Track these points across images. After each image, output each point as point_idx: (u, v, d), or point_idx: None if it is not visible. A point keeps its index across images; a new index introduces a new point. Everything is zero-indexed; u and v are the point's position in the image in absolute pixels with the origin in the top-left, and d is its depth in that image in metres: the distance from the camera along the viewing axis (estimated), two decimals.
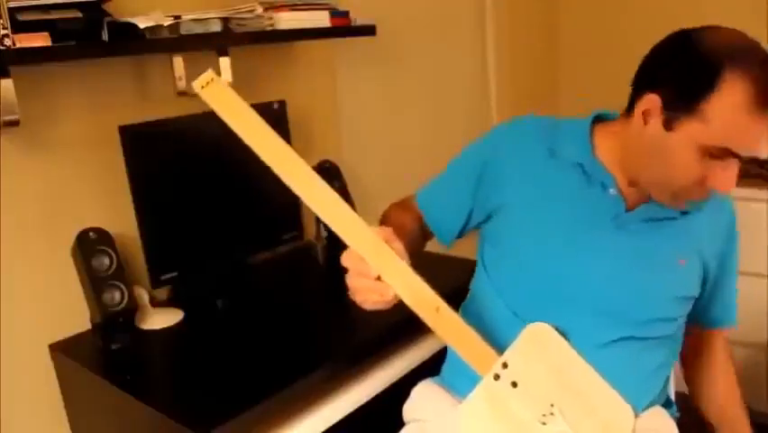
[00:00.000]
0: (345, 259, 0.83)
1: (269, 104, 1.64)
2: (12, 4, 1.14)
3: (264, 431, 1.17)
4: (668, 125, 0.91)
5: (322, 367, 1.23)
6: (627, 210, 1.02)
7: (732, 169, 0.90)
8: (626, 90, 1.00)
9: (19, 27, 1.14)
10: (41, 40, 1.16)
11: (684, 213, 1.03)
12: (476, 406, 0.89)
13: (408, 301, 0.83)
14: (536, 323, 0.93)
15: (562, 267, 1.01)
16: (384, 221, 1.16)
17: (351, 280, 0.83)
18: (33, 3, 1.17)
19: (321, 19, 1.62)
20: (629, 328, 1.00)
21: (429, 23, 2.24)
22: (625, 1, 2.60)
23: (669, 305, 1.04)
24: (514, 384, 0.89)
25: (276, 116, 1.64)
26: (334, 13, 1.65)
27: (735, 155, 0.88)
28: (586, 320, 0.98)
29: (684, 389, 1.24)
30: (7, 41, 1.12)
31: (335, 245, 0.87)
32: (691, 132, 0.89)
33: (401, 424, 1.18)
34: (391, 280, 0.82)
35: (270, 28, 1.53)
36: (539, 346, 0.92)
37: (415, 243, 1.13)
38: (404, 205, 1.21)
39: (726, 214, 1.09)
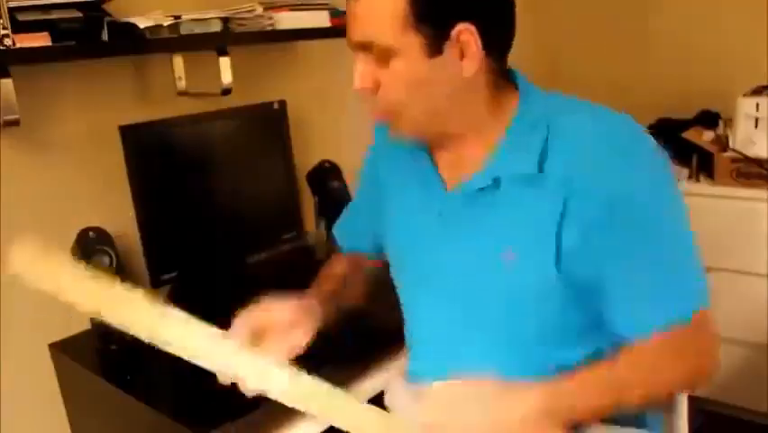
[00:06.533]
0: None
1: (269, 104, 1.64)
2: (12, 4, 1.14)
3: (264, 432, 1.17)
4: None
5: (322, 368, 1.22)
6: (447, 191, 0.92)
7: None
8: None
9: (19, 27, 1.14)
10: (41, 40, 1.16)
11: (497, 184, 0.86)
12: None
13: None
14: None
15: (415, 275, 0.99)
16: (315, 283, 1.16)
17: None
18: (33, 3, 1.17)
19: (321, 19, 1.62)
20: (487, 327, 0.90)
21: None
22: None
23: (512, 308, 0.85)
24: None
25: (276, 116, 1.65)
26: (334, 14, 1.64)
27: None
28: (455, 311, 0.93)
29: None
30: (7, 41, 1.12)
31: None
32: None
33: None
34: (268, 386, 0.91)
35: (270, 28, 1.53)
36: None
37: (356, 282, 1.14)
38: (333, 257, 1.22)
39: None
